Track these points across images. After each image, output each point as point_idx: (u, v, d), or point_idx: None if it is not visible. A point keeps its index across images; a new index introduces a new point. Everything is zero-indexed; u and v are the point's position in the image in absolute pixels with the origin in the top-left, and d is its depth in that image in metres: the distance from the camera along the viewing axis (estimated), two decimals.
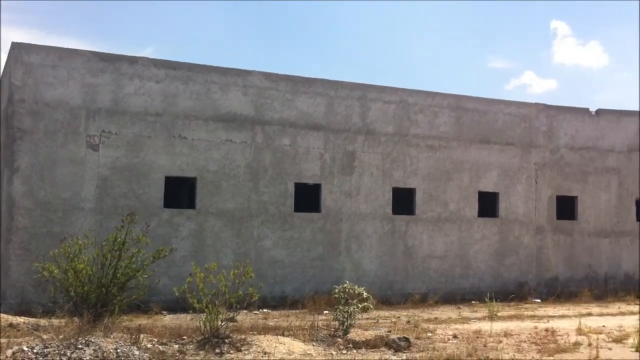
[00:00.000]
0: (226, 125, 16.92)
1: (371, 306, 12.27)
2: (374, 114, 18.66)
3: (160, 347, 9.95)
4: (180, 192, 17.45)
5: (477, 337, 11.88)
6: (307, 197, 18.00)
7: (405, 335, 11.19)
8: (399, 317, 14.69)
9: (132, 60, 16.21)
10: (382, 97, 18.84)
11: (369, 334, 11.30)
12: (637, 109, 22.34)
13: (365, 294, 12.05)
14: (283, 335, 11.19)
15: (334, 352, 10.28)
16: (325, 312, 14.63)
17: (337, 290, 12.13)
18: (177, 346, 10.13)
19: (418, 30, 62.74)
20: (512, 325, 13.70)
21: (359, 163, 18.31)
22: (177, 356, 9.58)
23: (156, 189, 16.09)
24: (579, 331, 12.49)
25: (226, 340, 10.34)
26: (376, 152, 18.54)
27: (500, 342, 11.51)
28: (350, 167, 18.20)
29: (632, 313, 16.03)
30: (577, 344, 11.21)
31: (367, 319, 13.71)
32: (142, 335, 10.09)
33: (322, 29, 63.45)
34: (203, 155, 16.60)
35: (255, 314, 14.75)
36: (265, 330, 11.72)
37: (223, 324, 10.52)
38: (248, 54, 58.50)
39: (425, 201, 19.04)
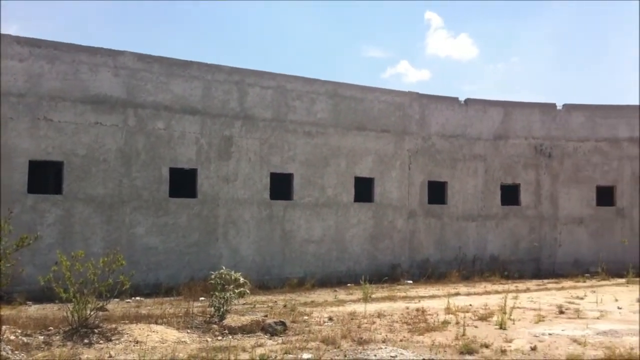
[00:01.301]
0: (96, 107, 16.17)
1: (248, 292, 12.20)
2: (252, 99, 18.49)
3: (24, 338, 9.41)
4: (46, 177, 16.54)
5: (352, 319, 12.09)
6: (183, 183, 17.60)
7: (282, 320, 11.20)
8: (276, 302, 14.70)
9: None
10: (260, 82, 18.70)
11: (245, 319, 11.23)
12: (503, 99, 23.48)
13: (242, 280, 11.96)
14: (156, 323, 10.91)
15: (209, 339, 10.12)
16: (201, 299, 14.41)
17: (213, 277, 11.96)
18: (42, 337, 9.62)
19: (297, 17, 63.01)
20: (385, 306, 14.06)
21: (236, 148, 18.11)
22: (42, 347, 9.10)
23: (19, 174, 15.12)
24: (448, 310, 12.99)
25: (96, 330, 9.97)
26: (254, 138, 18.41)
27: (374, 322, 11.77)
28: (227, 152, 17.96)
29: (496, 292, 16.89)
30: (445, 323, 11.65)
31: (244, 304, 13.62)
32: (4, 327, 9.49)
33: (200, 12, 62.27)
34: (71, 138, 15.77)
35: (127, 302, 14.28)
36: (138, 318, 11.39)
37: (92, 313, 10.12)
38: (120, 35, 56.40)
39: (303, 186, 19.15)
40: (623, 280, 19.93)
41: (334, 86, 20.04)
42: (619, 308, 14.09)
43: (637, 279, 20.24)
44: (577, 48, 68.92)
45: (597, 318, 12.68)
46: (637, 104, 24.42)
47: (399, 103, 21.30)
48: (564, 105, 24.02)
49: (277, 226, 18.64)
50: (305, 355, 9.00)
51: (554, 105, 23.95)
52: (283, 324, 10.93)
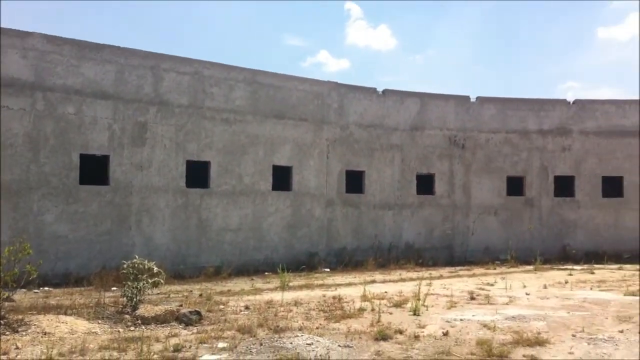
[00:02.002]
0: (2, 90, 15.39)
1: (162, 281, 11.95)
2: (167, 84, 18.06)
3: None
4: None
5: (269, 307, 12.03)
6: (95, 170, 17.03)
7: (197, 309, 11.00)
8: (191, 291, 14.45)
9: None
10: (177, 67, 18.28)
11: (159, 309, 10.97)
12: (420, 91, 23.88)
13: (155, 269, 11.72)
14: (65, 314, 10.55)
15: (121, 329, 9.84)
16: (113, 289, 14.02)
17: (125, 266, 11.65)
18: None
19: (218, 3, 62.08)
20: (302, 294, 14.06)
21: (151, 135, 17.65)
22: None
23: None
24: (364, 298, 13.10)
25: (1, 322, 9.54)
26: (170, 124, 18.00)
27: (291, 311, 11.74)
28: (141, 139, 17.48)
29: (411, 279, 17.19)
30: (361, 310, 11.74)
31: (158, 294, 13.33)
32: None
33: None
34: None
35: (35, 292, 13.71)
36: (46, 309, 10.98)
37: None
38: (30, 17, 54.04)
39: (220, 174, 18.89)
40: (531, 267, 20.68)
41: (252, 73, 19.83)
42: (527, 294, 14.58)
43: (545, 265, 21.09)
44: (491, 42, 71.04)
45: (506, 304, 13.08)
46: (546, 97, 25.41)
47: (318, 92, 21.31)
48: (477, 98, 24.68)
49: (193, 214, 18.32)
50: (221, 345, 8.88)
51: (467, 98, 24.57)
52: (198, 313, 10.74)
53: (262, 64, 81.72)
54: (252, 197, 19.47)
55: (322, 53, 75.08)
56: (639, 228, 24.66)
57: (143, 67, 17.66)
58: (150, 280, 11.49)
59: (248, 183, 19.42)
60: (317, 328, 10.13)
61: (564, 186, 25.00)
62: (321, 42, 73.39)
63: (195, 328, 10.05)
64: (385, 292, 14.41)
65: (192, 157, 18.40)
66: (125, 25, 60.25)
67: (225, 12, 64.06)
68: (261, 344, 8.94)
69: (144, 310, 10.91)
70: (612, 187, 25.03)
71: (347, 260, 20.36)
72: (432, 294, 13.81)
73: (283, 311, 11.64)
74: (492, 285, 16.21)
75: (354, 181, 22.12)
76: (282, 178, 20.36)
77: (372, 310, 11.69)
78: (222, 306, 12.21)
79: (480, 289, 15.35)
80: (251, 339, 9.27)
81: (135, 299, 11.19)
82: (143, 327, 10.04)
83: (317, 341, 9.16)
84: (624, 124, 25.06)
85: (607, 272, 19.79)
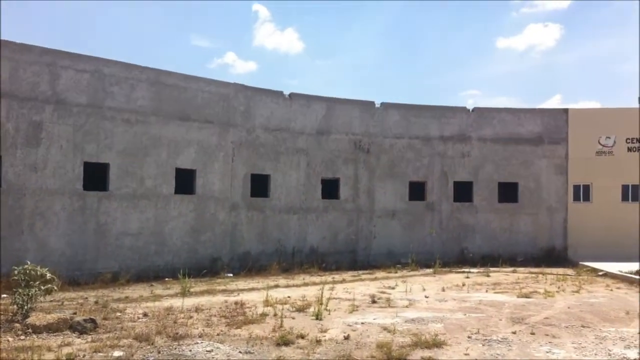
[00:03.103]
0: None
1: (56, 288, 11.45)
2: (65, 82, 17.34)
3: None
4: None
5: (168, 314, 11.76)
6: None
7: (92, 317, 10.61)
8: (87, 298, 13.90)
9: None
10: (75, 65, 17.58)
11: (52, 317, 10.46)
12: (326, 95, 24.00)
13: (49, 275, 11.20)
14: None
15: (10, 339, 9.35)
16: (3, 296, 13.31)
17: (16, 272, 11.07)
18: None
19: (121, 2, 60.39)
20: (203, 300, 13.82)
21: (46, 134, 16.89)
22: None
23: None
24: (266, 303, 13.03)
25: None
26: (67, 124, 17.28)
27: (191, 317, 11.52)
28: (36, 139, 16.70)
29: (314, 284, 17.24)
30: (263, 315, 11.68)
31: (52, 301, 12.78)
32: None
33: None
34: None
35: None
36: None
37: None
38: None
39: (120, 177, 18.30)
40: (431, 271, 21.19)
41: (155, 73, 19.35)
42: (426, 297, 14.92)
43: (444, 269, 21.66)
44: (396, 49, 72.64)
45: (406, 307, 13.32)
46: (448, 105, 26.13)
47: (224, 94, 21.05)
48: (382, 104, 25.11)
49: (90, 218, 17.65)
50: (117, 353, 8.59)
51: (372, 103, 24.95)
52: (93, 321, 10.35)
53: (166, 64, 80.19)
54: (153, 201, 18.97)
55: (229, 55, 74.62)
56: (532, 232, 25.82)
57: (39, 64, 16.89)
58: (42, 287, 10.97)
59: (150, 186, 18.91)
60: (217, 335, 9.98)
61: (463, 191, 25.82)
62: (228, 43, 72.90)
63: (89, 337, 9.68)
64: (289, 296, 14.39)
65: (90, 159, 17.73)
66: (21, 21, 57.68)
67: (128, 10, 62.49)
68: (159, 352, 8.73)
69: (35, 318, 10.39)
70: (508, 192, 26.07)
71: (251, 265, 20.18)
72: (334, 298, 13.91)
73: (183, 318, 11.39)
74: (393, 288, 16.48)
75: (260, 185, 21.98)
76: (185, 181, 19.95)
77: (275, 315, 11.64)
78: (119, 313, 11.83)
79: (382, 292, 15.58)
80: (149, 347, 9.03)
81: (26, 307, 10.68)
82: (34, 336, 9.58)
83: (218, 348, 9.03)
84: (520, 131, 26.15)
85: (502, 274, 20.56)
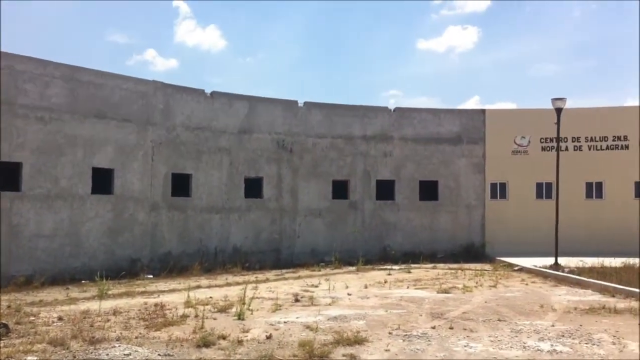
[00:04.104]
0: None
1: None
2: None
3: None
4: None
5: (85, 318, 11.41)
6: None
7: (4, 321, 10.23)
8: None
9: None
10: None
11: None
12: (249, 94, 23.82)
13: None
14: None
15: None
16: None
17: None
18: None
19: None
20: (122, 302, 13.45)
21: None
22: None
23: None
24: (187, 304, 12.80)
25: None
26: None
27: (109, 320, 11.20)
28: None
29: (237, 283, 17.07)
30: (184, 317, 11.47)
31: None
32: None
33: None
34: None
35: None
36: None
37: None
38: None
39: (33, 177, 17.57)
40: (354, 268, 21.38)
41: (71, 70, 18.70)
42: (348, 294, 15.01)
43: (366, 266, 21.87)
44: (320, 48, 73.03)
45: (329, 304, 13.37)
46: (370, 105, 26.43)
47: (143, 92, 20.55)
48: (305, 103, 25.13)
49: (3, 220, 16.85)
50: (30, 359, 8.28)
51: (295, 102, 24.94)
52: (5, 326, 9.97)
53: (83, 60, 77.92)
54: (69, 201, 18.31)
55: (149, 51, 73.18)
56: (452, 229, 26.44)
57: None
58: None
59: (65, 186, 18.25)
60: (136, 338, 9.74)
61: (386, 190, 26.16)
62: (148, 40, 71.46)
63: (1, 342, 9.29)
64: (211, 297, 14.19)
65: (2, 158, 16.94)
66: None
67: (42, 4, 60.34)
68: (74, 357, 8.49)
69: None
70: (429, 190, 26.59)
71: (172, 266, 19.74)
72: (257, 298, 13.82)
73: (100, 321, 11.07)
74: (316, 286, 16.51)
75: (181, 184, 21.58)
76: (103, 181, 19.35)
77: (196, 316, 11.45)
78: (32, 317, 11.40)
79: (305, 291, 15.58)
80: (64, 351, 8.77)
81: None
82: None
83: (136, 351, 8.83)
84: (440, 131, 26.72)
85: (422, 271, 20.94)
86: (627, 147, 26.58)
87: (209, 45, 75.17)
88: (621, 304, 13.29)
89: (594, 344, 9.45)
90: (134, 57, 72.29)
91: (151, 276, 18.82)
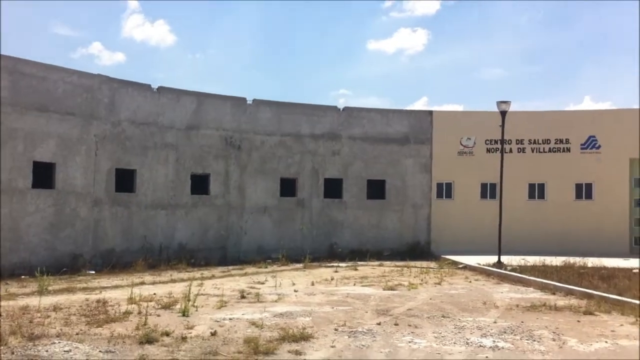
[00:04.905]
0: None
1: None
2: None
3: None
4: None
5: (24, 314, 11.08)
6: None
7: None
8: None
9: None
10: None
11: None
12: (197, 90, 23.59)
13: None
14: None
15: None
16: None
17: None
18: None
19: None
20: (63, 298, 13.12)
21: None
22: None
23: None
24: (131, 300, 12.57)
25: None
26: None
27: (49, 316, 10.91)
28: None
29: (182, 280, 16.83)
30: (127, 313, 11.26)
31: None
32: None
33: None
34: None
35: None
36: None
37: None
38: None
39: None
40: (301, 266, 21.33)
41: (12, 62, 18.15)
42: (295, 291, 14.98)
43: (314, 263, 21.89)
44: (269, 46, 72.80)
45: (275, 301, 13.31)
46: (319, 104, 26.53)
47: (87, 85, 20.10)
48: (254, 100, 25.00)
49: None
50: None
51: (244, 100, 24.78)
52: None
53: (26, 53, 75.89)
54: (8, 195, 17.75)
55: (95, 45, 71.73)
56: (399, 228, 26.70)
57: None
58: None
59: (4, 180, 17.68)
60: (77, 334, 9.52)
61: (333, 188, 26.25)
62: (94, 33, 69.96)
63: None
64: (154, 294, 13.96)
65: None
66: None
67: None
68: (12, 353, 8.27)
69: None
70: (376, 189, 26.80)
71: (115, 262, 19.36)
72: (202, 294, 13.66)
73: (40, 317, 10.77)
74: (263, 283, 16.43)
75: (125, 180, 21.18)
76: (44, 175, 18.84)
77: (139, 313, 11.24)
78: None
79: (252, 287, 15.48)
80: (1, 347, 8.51)
81: None
82: None
83: (77, 348, 8.63)
84: (388, 131, 26.95)
85: (369, 268, 21.07)
86: (568, 149, 27.29)
87: (158, 40, 74.16)
88: (561, 301, 13.63)
89: (534, 340, 9.65)
90: (80, 50, 70.78)
91: (93, 272, 18.41)
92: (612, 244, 25.51)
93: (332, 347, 8.99)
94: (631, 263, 20.89)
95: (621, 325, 10.97)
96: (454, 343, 9.40)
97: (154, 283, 16.40)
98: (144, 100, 21.80)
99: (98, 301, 12.67)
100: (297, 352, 8.57)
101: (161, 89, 22.47)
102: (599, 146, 27.09)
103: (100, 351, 8.49)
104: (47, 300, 12.57)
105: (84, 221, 19.76)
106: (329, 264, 22.17)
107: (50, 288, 14.24)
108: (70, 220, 19.36)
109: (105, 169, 20.43)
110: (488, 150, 27.28)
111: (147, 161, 21.70)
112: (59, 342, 8.87)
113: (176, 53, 72.92)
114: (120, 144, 20.92)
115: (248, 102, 24.85)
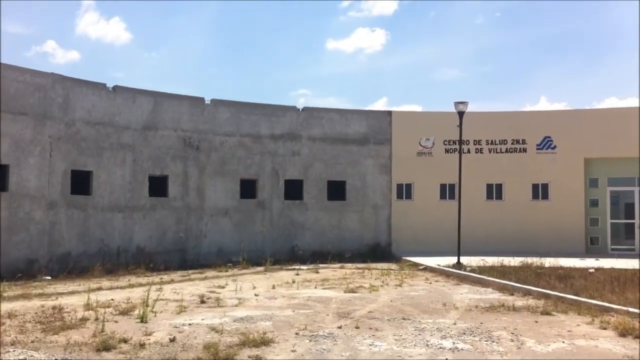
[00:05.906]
0: None
1: None
2: None
3: None
4: None
5: None
6: None
7: None
8: None
9: None
10: None
11: None
12: (154, 90, 23.24)
13: None
14: None
15: None
16: None
17: None
18: None
19: None
20: (17, 305, 12.77)
21: None
22: None
23: None
24: (87, 306, 12.32)
25: None
26: None
27: (3, 324, 10.60)
28: None
29: (140, 285, 16.56)
30: (84, 320, 11.02)
31: None
32: None
33: None
34: None
35: None
36: None
37: None
38: None
39: None
40: (262, 269, 21.21)
41: None
42: (256, 295, 14.86)
43: (275, 266, 21.78)
44: (227, 45, 72.34)
45: (236, 306, 13.18)
46: (279, 104, 26.40)
47: (40, 84, 19.63)
48: (212, 100, 24.76)
49: None
50: None
51: (202, 100, 24.53)
52: None
53: None
54: None
55: (49, 43, 70.33)
56: (359, 229, 26.75)
57: None
58: None
59: None
60: (32, 342, 9.28)
61: (294, 189, 26.16)
62: (48, 30, 68.59)
63: None
64: (112, 299, 13.69)
65: None
66: None
67: None
68: None
69: None
70: (337, 190, 26.79)
71: (71, 267, 18.93)
72: (161, 300, 13.44)
73: None
74: (223, 287, 16.26)
75: (81, 182, 20.73)
76: None
77: (96, 319, 11.00)
78: None
79: (211, 292, 15.30)
80: None
81: None
82: None
83: (32, 356, 8.44)
84: (347, 132, 26.99)
85: (330, 271, 21.05)
86: (525, 150, 27.69)
87: (113, 38, 73.04)
88: (519, 301, 13.79)
89: (493, 342, 9.73)
90: (33, 48, 69.31)
91: (49, 278, 17.99)
92: (569, 243, 25.97)
93: (293, 351, 8.93)
94: (587, 263, 21.30)
95: (578, 325, 11.14)
96: (415, 345, 9.42)
97: (111, 288, 16.08)
98: (99, 100, 21.39)
99: (54, 308, 12.37)
100: (258, 358, 8.47)
101: (117, 88, 22.08)
102: (555, 146, 27.55)
103: (56, 359, 8.28)
104: (2, 307, 12.20)
105: (39, 225, 19.29)
106: (290, 267, 22.08)
107: (4, 294, 13.86)
108: (24, 224, 18.88)
109: (60, 171, 19.98)
110: (447, 151, 27.52)
111: (103, 162, 21.29)
112: (14, 351, 8.65)
113: (132, 51, 71.98)
114: (76, 145, 20.49)
115: (206, 102, 24.59)
